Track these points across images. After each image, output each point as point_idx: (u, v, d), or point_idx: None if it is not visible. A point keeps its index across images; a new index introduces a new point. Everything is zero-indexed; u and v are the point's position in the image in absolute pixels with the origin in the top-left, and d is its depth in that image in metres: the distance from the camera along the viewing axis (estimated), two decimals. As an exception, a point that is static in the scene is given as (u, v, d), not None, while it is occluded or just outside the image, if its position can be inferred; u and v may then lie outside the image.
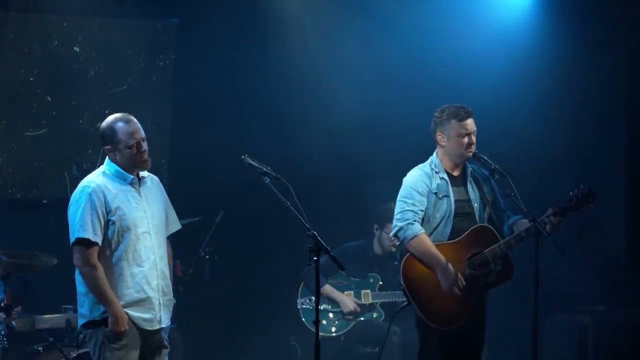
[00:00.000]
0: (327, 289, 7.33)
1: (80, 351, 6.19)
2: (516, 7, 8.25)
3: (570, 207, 5.29)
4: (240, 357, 7.87)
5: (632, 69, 8.13)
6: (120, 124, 5.00)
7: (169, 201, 5.26)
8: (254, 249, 8.15)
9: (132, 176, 5.04)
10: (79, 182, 5.07)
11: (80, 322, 5.07)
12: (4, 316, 6.06)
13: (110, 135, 5.01)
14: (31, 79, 7.81)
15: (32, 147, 7.84)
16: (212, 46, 8.10)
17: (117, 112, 5.12)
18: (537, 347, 5.16)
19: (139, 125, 5.04)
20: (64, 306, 6.73)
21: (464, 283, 5.33)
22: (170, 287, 5.16)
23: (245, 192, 7.41)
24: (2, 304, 6.08)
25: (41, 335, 6.43)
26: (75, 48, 7.92)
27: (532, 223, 5.18)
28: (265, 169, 4.98)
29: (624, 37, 8.12)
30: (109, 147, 5.03)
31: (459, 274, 5.33)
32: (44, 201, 7.87)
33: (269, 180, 4.95)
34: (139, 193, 5.07)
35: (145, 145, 5.02)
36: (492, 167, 5.45)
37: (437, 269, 5.34)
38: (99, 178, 5.01)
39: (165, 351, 5.13)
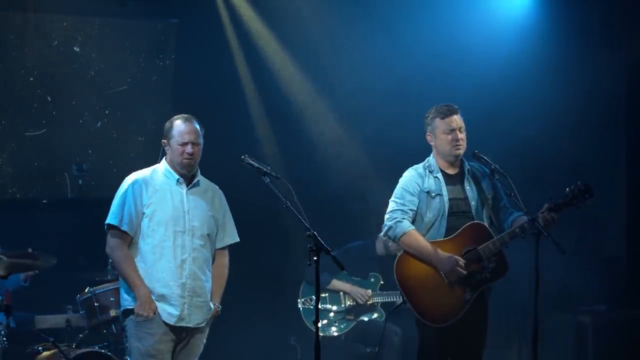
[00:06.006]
0: (335, 283, 7.35)
1: (80, 351, 6.19)
2: (516, 7, 8.25)
3: (566, 203, 5.26)
4: (240, 357, 7.87)
5: (632, 69, 8.13)
6: (178, 122, 5.23)
7: (228, 214, 5.42)
8: (254, 249, 8.13)
9: (178, 176, 5.18)
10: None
11: (121, 310, 5.26)
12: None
13: (167, 130, 5.24)
14: (31, 79, 7.80)
15: (32, 147, 7.83)
16: (212, 46, 8.10)
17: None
18: (537, 347, 5.16)
19: (197, 129, 5.21)
20: (64, 306, 6.74)
21: (464, 261, 5.33)
22: (206, 289, 5.24)
23: (245, 192, 7.40)
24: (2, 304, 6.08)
25: (41, 335, 6.43)
26: (75, 48, 7.92)
27: (531, 222, 5.18)
28: (265, 169, 5.01)
29: (624, 36, 8.12)
30: (165, 141, 5.24)
31: (455, 256, 5.32)
32: (44, 201, 7.86)
33: (269, 180, 4.98)
34: (184, 194, 5.17)
35: (190, 149, 5.15)
36: (492, 167, 5.45)
37: (432, 259, 5.35)
38: (147, 171, 5.24)
39: (196, 352, 5.25)
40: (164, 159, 5.28)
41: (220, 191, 5.41)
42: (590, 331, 7.54)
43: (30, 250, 6.14)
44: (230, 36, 8.17)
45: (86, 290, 6.44)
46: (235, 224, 5.57)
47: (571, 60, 8.07)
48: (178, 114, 5.37)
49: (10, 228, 7.00)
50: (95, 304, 6.37)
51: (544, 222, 5.21)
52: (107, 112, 7.93)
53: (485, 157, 5.47)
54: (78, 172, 7.40)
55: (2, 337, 5.95)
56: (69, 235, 7.32)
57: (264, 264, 8.11)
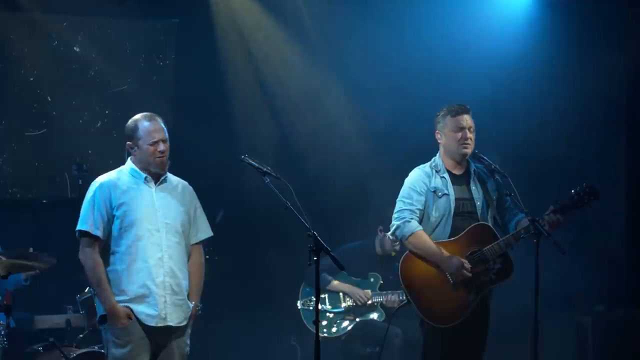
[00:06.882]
0: (335, 284, 7.34)
1: (80, 351, 6.19)
2: (517, 7, 8.25)
3: (571, 205, 5.28)
4: (240, 357, 7.87)
5: (632, 69, 8.12)
6: (143, 122, 5.12)
7: (199, 209, 5.32)
8: (254, 249, 8.15)
9: (145, 174, 5.11)
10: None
11: (97, 317, 5.15)
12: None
13: (132, 131, 5.13)
14: (31, 79, 7.81)
15: (32, 147, 7.84)
16: (212, 46, 8.10)
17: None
18: (537, 347, 5.16)
19: (163, 126, 5.14)
20: (64, 306, 6.73)
21: (470, 265, 5.33)
22: (184, 287, 5.16)
23: (245, 192, 7.40)
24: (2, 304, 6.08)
25: (41, 335, 6.43)
26: (75, 48, 7.92)
27: (531, 222, 5.17)
28: (265, 169, 4.99)
29: (624, 37, 8.11)
30: (130, 143, 5.14)
31: (461, 259, 5.33)
32: (44, 201, 7.87)
33: (269, 180, 4.96)
34: (154, 191, 5.12)
35: (163, 146, 5.10)
36: (492, 167, 5.46)
37: (438, 261, 5.36)
38: (113, 174, 5.15)
39: (181, 354, 5.13)
40: (129, 159, 5.19)
41: (190, 187, 5.32)
42: (590, 331, 7.55)
43: (30, 250, 6.14)
44: (230, 36, 8.17)
45: (86, 290, 6.44)
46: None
47: (571, 60, 8.07)
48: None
49: (10, 228, 7.00)
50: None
51: (549, 223, 5.21)
52: (107, 112, 7.93)
53: (485, 157, 5.48)
54: (78, 172, 7.39)
55: (2, 337, 5.95)
56: (69, 235, 7.30)
57: (264, 264, 8.11)
